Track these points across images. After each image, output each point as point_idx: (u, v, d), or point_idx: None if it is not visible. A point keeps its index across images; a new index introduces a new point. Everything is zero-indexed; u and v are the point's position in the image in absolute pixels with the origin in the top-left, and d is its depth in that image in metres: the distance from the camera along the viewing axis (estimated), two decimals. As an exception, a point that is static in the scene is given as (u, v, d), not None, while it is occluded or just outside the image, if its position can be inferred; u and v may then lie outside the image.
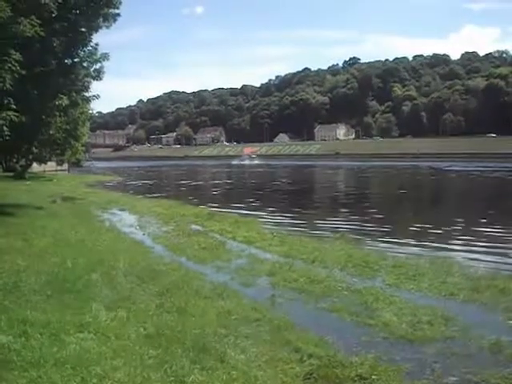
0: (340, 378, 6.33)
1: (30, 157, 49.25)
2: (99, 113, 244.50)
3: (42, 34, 18.67)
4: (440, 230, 20.70)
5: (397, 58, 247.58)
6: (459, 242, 18.39)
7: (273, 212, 28.42)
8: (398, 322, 8.51)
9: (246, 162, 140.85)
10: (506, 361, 6.98)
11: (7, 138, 18.64)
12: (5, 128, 17.93)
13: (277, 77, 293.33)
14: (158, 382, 5.86)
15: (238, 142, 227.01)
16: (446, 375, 6.52)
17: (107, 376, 5.86)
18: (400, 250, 16.08)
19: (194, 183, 61.99)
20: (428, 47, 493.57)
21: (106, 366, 6.13)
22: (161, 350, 6.85)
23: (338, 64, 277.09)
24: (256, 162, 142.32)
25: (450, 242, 18.42)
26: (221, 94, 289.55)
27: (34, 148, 37.73)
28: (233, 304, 9.32)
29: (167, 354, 6.68)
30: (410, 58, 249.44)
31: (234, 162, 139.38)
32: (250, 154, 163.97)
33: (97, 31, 23.47)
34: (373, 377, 6.36)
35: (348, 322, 8.69)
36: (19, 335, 6.97)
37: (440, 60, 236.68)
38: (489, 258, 15.05)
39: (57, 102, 22.46)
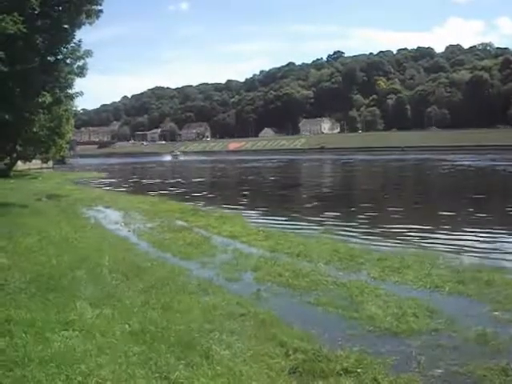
0: (325, 372, 6.32)
1: (15, 155, 49.17)
2: (84, 110, 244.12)
3: (25, 31, 18.59)
4: None
5: (381, 52, 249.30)
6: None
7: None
8: (384, 314, 8.51)
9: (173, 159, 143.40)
10: (492, 352, 6.99)
11: (-10, 136, 18.57)
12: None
13: (261, 71, 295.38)
14: (142, 378, 5.83)
15: (223, 137, 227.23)
16: (431, 367, 6.53)
17: (92, 373, 5.82)
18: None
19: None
20: (412, 40, 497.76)
21: (91, 363, 6.10)
22: (146, 346, 6.82)
23: (322, 58, 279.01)
24: (182, 158, 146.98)
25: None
26: (205, 90, 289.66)
27: (18, 146, 37.70)
28: (218, 299, 9.29)
29: (152, 351, 6.65)
30: (395, 52, 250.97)
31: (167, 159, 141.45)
32: (181, 151, 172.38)
33: (80, 28, 23.47)
34: (358, 370, 6.35)
35: (333, 315, 8.69)
36: (3, 334, 6.91)
37: (424, 53, 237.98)
38: None
39: (40, 100, 22.43)
